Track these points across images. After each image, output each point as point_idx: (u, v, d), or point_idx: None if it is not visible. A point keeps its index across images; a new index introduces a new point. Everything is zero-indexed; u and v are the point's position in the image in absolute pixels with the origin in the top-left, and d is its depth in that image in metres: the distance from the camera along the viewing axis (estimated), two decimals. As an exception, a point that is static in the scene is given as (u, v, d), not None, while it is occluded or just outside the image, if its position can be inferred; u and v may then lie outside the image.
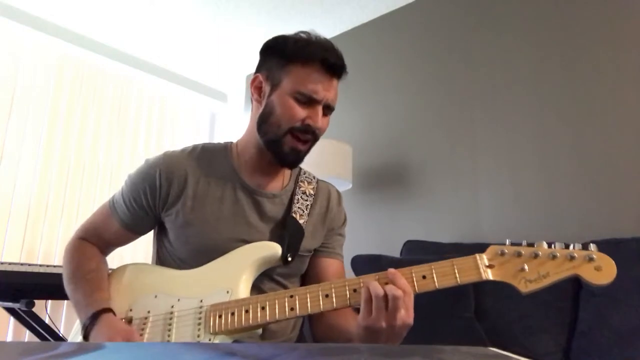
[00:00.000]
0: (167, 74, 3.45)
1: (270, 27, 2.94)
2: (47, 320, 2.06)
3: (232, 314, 0.92)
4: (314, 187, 1.17)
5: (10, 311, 1.90)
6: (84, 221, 1.16)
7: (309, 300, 0.90)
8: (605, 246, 0.85)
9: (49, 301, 2.48)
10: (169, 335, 0.95)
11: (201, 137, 3.67)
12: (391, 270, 0.86)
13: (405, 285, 0.83)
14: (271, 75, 1.05)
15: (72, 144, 2.91)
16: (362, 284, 0.87)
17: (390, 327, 0.82)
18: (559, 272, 0.81)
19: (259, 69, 1.09)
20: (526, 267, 0.82)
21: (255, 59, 1.11)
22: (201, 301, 0.97)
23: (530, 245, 0.85)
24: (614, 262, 0.80)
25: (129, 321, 0.99)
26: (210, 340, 0.92)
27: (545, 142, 2.06)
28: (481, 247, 0.88)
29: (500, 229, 2.11)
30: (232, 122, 3.74)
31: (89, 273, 1.06)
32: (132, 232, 1.12)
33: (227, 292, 0.96)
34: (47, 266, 1.82)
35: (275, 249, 1.01)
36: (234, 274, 0.99)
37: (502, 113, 2.21)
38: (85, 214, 2.84)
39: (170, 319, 0.97)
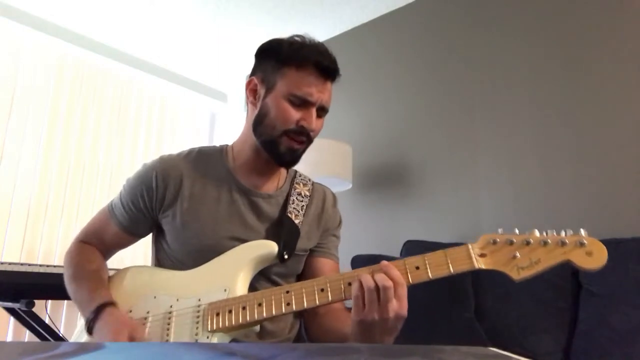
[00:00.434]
0: (167, 74, 3.45)
1: (270, 27, 2.94)
2: (47, 320, 2.06)
3: (230, 311, 0.93)
4: (309, 189, 1.19)
5: (10, 311, 1.90)
6: (84, 225, 1.18)
7: (304, 294, 0.90)
8: (605, 246, 0.84)
9: (49, 301, 2.48)
10: (167, 335, 0.96)
11: (201, 137, 3.67)
12: (384, 262, 0.86)
13: (397, 276, 0.84)
14: (266, 78, 1.06)
15: (72, 144, 2.91)
16: (356, 277, 0.88)
17: (383, 320, 0.82)
18: (551, 258, 0.81)
19: (254, 71, 1.10)
20: (518, 254, 0.82)
21: (256, 59, 1.12)
22: (199, 300, 0.97)
23: (522, 233, 0.85)
24: (604, 246, 0.80)
25: (129, 321, 1.00)
26: (208, 338, 0.92)
27: (545, 142, 2.06)
28: (481, 247, 0.88)
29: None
30: (232, 122, 3.74)
31: (90, 273, 1.07)
32: (131, 234, 1.13)
33: (225, 290, 0.97)
34: (47, 266, 1.82)
35: (272, 247, 1.02)
36: (231, 272, 0.99)
37: (502, 113, 2.22)
38: (85, 214, 2.85)
39: (169, 318, 0.98)
